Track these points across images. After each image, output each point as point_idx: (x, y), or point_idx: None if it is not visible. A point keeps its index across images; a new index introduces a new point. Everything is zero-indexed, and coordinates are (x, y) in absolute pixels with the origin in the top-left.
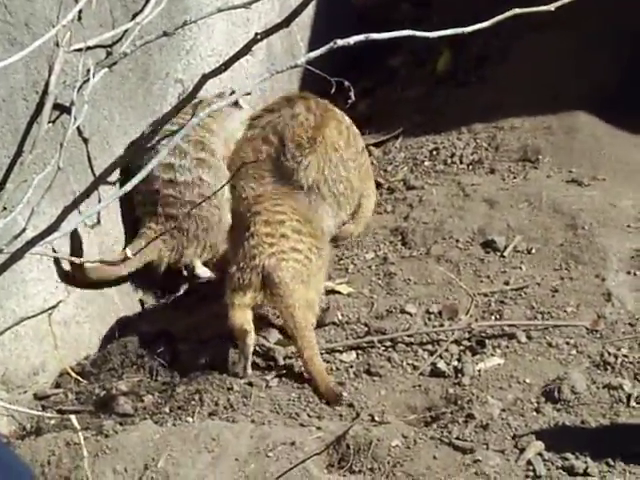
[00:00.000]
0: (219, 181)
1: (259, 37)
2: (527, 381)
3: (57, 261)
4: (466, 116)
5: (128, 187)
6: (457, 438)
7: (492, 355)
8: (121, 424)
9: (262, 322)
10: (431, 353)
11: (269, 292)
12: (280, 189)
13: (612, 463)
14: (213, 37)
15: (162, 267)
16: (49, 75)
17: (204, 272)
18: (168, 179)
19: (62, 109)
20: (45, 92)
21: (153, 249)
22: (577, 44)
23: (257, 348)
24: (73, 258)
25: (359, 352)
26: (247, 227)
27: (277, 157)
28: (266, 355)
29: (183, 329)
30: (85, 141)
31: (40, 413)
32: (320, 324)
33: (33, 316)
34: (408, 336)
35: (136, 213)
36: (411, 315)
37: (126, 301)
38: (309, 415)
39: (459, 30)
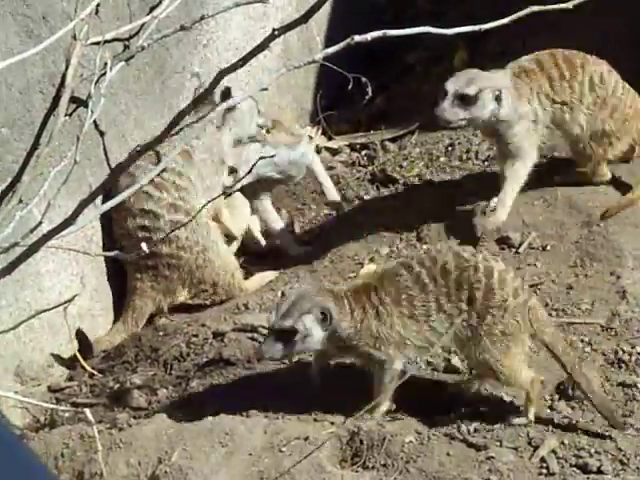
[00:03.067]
0: (199, 232)
1: (277, 33)
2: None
3: None
4: None
5: (145, 181)
6: (471, 435)
7: None
8: (135, 417)
9: None
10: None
11: None
12: None
13: (626, 461)
14: (230, 31)
15: (163, 310)
16: (66, 68)
17: None
18: (144, 237)
19: (79, 102)
20: (62, 85)
21: (148, 302)
22: (594, 42)
23: None
24: (87, 252)
25: None
26: None
27: None
28: None
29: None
30: (101, 134)
31: (54, 406)
32: None
33: (48, 309)
34: None
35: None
36: None
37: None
38: (323, 410)
39: (476, 27)
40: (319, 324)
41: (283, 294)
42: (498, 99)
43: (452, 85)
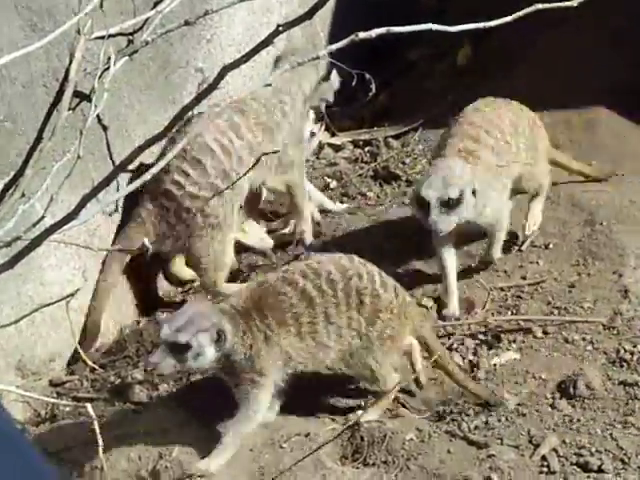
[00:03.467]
0: (226, 209)
1: (281, 29)
2: (542, 376)
3: None
4: None
5: (147, 176)
6: (472, 432)
7: (508, 350)
8: (136, 412)
9: None
10: (447, 347)
11: None
12: None
13: (627, 460)
14: (234, 26)
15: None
16: (70, 62)
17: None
18: (177, 181)
19: (82, 97)
20: (65, 79)
21: (141, 232)
22: (598, 39)
23: None
24: (90, 247)
25: None
26: None
27: None
28: None
29: None
30: (105, 129)
31: (55, 400)
32: None
33: (50, 303)
34: None
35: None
36: (427, 308)
37: (143, 289)
38: (324, 407)
39: (480, 25)
40: (213, 344)
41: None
42: (474, 193)
43: (433, 193)
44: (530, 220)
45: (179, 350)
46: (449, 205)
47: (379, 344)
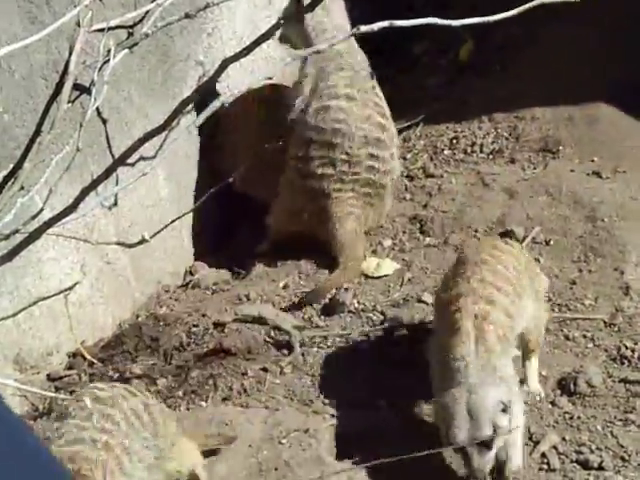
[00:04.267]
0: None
1: (281, 22)
2: (543, 373)
3: None
4: (487, 105)
5: (147, 169)
6: None
7: None
8: None
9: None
10: None
11: None
12: None
13: (627, 458)
14: (235, 20)
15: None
16: (69, 55)
17: None
18: (371, 166)
19: (82, 89)
20: (65, 72)
21: (357, 220)
22: (600, 34)
23: (272, 333)
24: (89, 240)
25: (374, 340)
26: None
27: None
28: (281, 341)
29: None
30: (104, 122)
31: (53, 394)
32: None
33: (49, 297)
34: (423, 324)
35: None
36: (427, 304)
37: (142, 283)
38: (323, 402)
39: (483, 19)
40: None
41: (285, 286)
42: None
43: (466, 436)
44: (532, 384)
45: None
46: (488, 446)
47: (169, 450)
